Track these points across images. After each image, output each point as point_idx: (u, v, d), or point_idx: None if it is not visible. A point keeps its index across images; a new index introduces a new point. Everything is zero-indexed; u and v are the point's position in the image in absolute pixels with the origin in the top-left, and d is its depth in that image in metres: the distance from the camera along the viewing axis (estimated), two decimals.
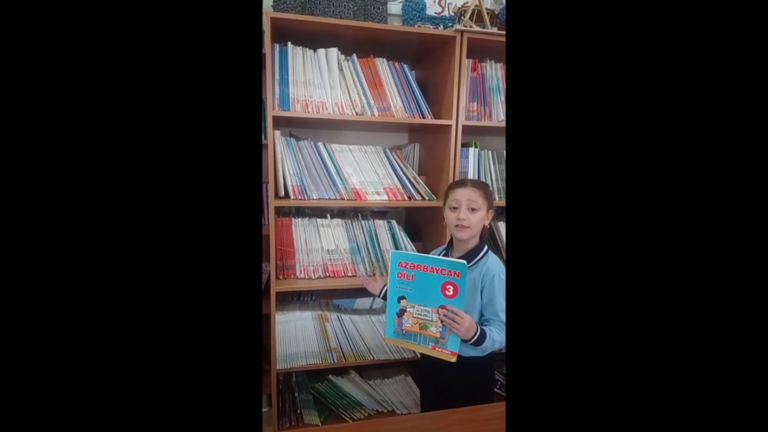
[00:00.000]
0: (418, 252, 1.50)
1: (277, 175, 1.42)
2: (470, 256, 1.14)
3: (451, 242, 1.24)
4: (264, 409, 1.70)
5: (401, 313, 1.05)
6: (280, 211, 1.56)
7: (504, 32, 1.49)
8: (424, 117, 1.51)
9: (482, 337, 1.02)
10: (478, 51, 1.53)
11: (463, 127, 1.50)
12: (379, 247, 1.56)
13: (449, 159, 1.51)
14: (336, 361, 1.54)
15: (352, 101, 1.46)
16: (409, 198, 1.55)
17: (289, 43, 1.41)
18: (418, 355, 1.39)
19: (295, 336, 1.51)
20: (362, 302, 1.65)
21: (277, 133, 1.41)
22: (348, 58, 1.47)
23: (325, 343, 1.54)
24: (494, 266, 1.13)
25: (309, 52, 1.44)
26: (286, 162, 1.44)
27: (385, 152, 1.56)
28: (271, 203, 1.40)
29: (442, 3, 1.84)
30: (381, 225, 1.58)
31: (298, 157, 1.46)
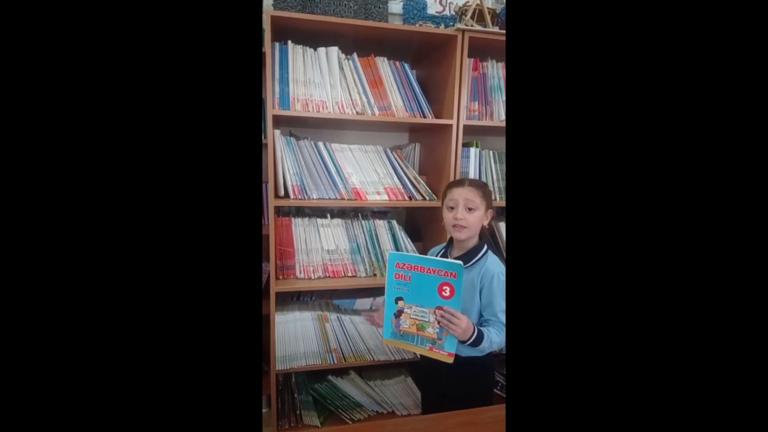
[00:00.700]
0: (419, 252, 1.50)
1: (276, 175, 1.42)
2: (469, 256, 1.14)
3: (450, 241, 1.23)
4: (263, 410, 1.69)
5: (399, 314, 1.05)
6: (280, 211, 1.55)
7: (505, 31, 1.49)
8: (424, 116, 1.50)
9: (480, 337, 1.01)
10: (480, 50, 1.52)
11: (464, 126, 1.49)
12: (380, 247, 1.55)
13: (450, 159, 1.50)
14: (336, 362, 1.54)
15: (352, 100, 1.45)
16: (410, 198, 1.54)
17: (290, 42, 1.41)
18: (418, 356, 1.39)
19: (295, 336, 1.50)
20: (362, 303, 1.64)
21: (277, 132, 1.40)
22: (348, 57, 1.46)
23: (325, 343, 1.53)
24: (493, 267, 1.12)
25: (309, 50, 1.43)
26: (286, 161, 1.43)
27: (385, 152, 1.56)
28: (271, 203, 1.39)
29: (443, 2, 1.83)
30: (381, 225, 1.57)
31: (298, 157, 1.45)
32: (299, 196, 1.44)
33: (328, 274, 1.52)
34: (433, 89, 1.62)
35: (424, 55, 1.69)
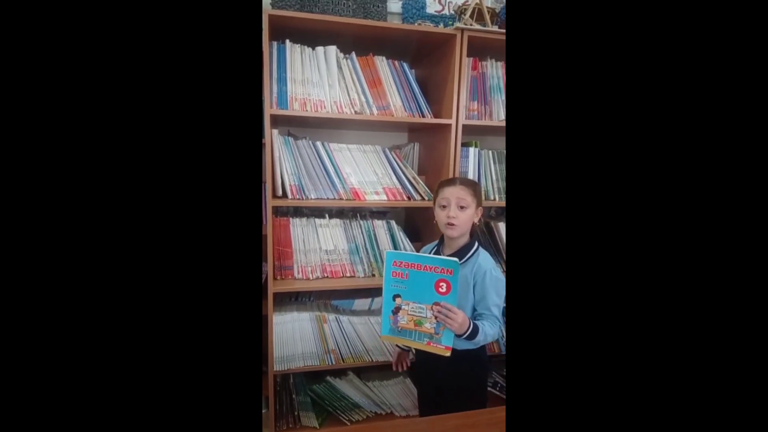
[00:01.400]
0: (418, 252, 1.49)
1: (274, 175, 1.41)
2: (461, 253, 1.17)
3: (442, 239, 1.26)
4: (262, 411, 1.69)
5: (396, 310, 1.07)
6: (278, 211, 1.54)
7: (504, 31, 1.48)
8: (423, 116, 1.49)
9: (475, 331, 1.05)
10: (479, 49, 1.51)
11: (464, 126, 1.49)
12: (378, 247, 1.54)
13: (449, 159, 1.49)
14: (334, 363, 1.53)
15: (351, 100, 1.45)
16: (409, 198, 1.53)
17: (287, 41, 1.40)
18: (413, 356, 1.39)
19: (293, 337, 1.50)
20: (361, 303, 1.63)
21: (275, 131, 1.40)
22: (347, 56, 1.46)
23: (323, 344, 1.52)
24: (485, 263, 1.16)
25: (307, 50, 1.42)
26: (284, 161, 1.42)
27: (384, 152, 1.55)
28: (269, 203, 1.38)
29: (443, 1, 1.82)
30: (380, 225, 1.56)
31: (296, 157, 1.45)
32: (297, 196, 1.43)
33: (326, 275, 1.51)
34: (432, 89, 1.61)
35: (423, 55, 1.68)
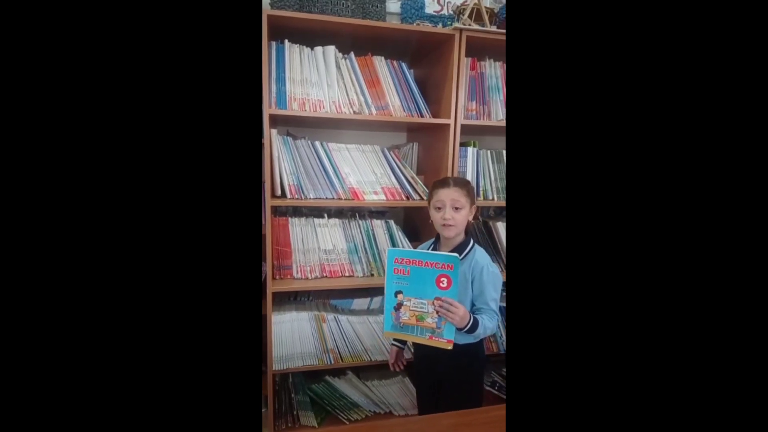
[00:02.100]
0: None
1: (273, 175, 1.41)
2: (458, 250, 1.19)
3: (438, 237, 1.28)
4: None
5: (398, 306, 1.10)
6: (277, 211, 1.54)
7: (503, 31, 1.48)
8: (422, 116, 1.50)
9: (475, 324, 1.09)
10: (477, 49, 1.51)
11: (462, 126, 1.49)
12: (377, 247, 1.55)
13: (448, 158, 1.49)
14: (333, 362, 1.53)
15: (349, 100, 1.45)
16: (407, 198, 1.53)
17: (286, 41, 1.40)
18: (411, 354, 1.39)
19: (292, 337, 1.50)
20: (359, 303, 1.64)
21: (274, 131, 1.40)
22: (346, 56, 1.46)
23: (322, 344, 1.52)
24: (482, 259, 1.20)
25: (306, 50, 1.43)
26: (283, 161, 1.43)
27: (383, 151, 1.55)
28: (268, 203, 1.38)
29: (441, 1, 1.82)
30: (379, 225, 1.56)
31: (295, 156, 1.45)
32: (296, 196, 1.43)
33: (325, 275, 1.51)
34: (431, 89, 1.61)
35: (422, 55, 1.68)
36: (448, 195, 1.18)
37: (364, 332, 1.54)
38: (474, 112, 1.54)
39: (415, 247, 1.59)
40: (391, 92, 1.48)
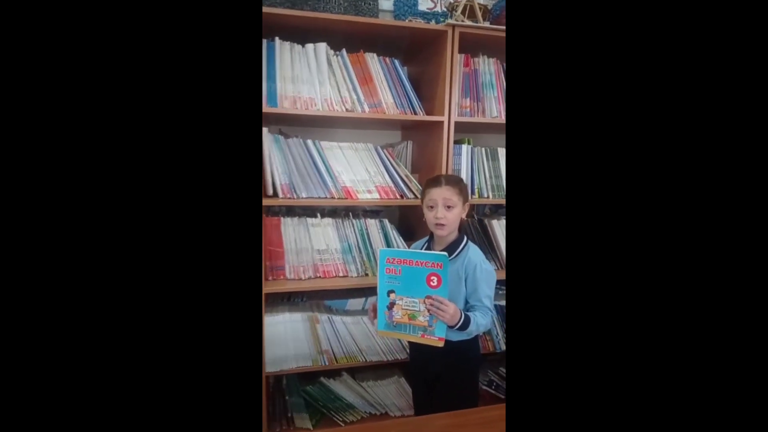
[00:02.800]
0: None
1: (265, 174, 1.39)
2: (451, 248, 1.21)
3: (432, 235, 1.28)
4: None
5: (391, 306, 1.11)
6: (269, 211, 1.53)
7: (496, 27, 1.47)
8: (415, 113, 1.48)
9: (467, 321, 1.09)
10: (471, 46, 1.50)
11: (456, 123, 1.48)
12: (371, 246, 1.53)
13: (442, 156, 1.48)
14: (327, 363, 1.51)
15: (341, 97, 1.43)
16: (402, 196, 1.52)
17: (277, 38, 1.38)
18: (408, 353, 1.38)
19: (285, 338, 1.48)
20: (354, 303, 1.62)
21: (265, 130, 1.38)
22: (337, 53, 1.44)
23: (316, 345, 1.50)
24: (475, 257, 1.20)
25: (297, 47, 1.41)
26: (275, 160, 1.41)
27: (376, 150, 1.53)
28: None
29: None
30: (373, 224, 1.55)
31: (286, 155, 1.43)
32: (288, 196, 1.41)
33: (318, 275, 1.49)
34: (424, 86, 1.60)
35: (415, 52, 1.67)
36: (440, 194, 1.18)
37: (358, 333, 1.53)
38: (468, 109, 1.53)
39: (409, 246, 1.58)
40: (384, 89, 1.47)
